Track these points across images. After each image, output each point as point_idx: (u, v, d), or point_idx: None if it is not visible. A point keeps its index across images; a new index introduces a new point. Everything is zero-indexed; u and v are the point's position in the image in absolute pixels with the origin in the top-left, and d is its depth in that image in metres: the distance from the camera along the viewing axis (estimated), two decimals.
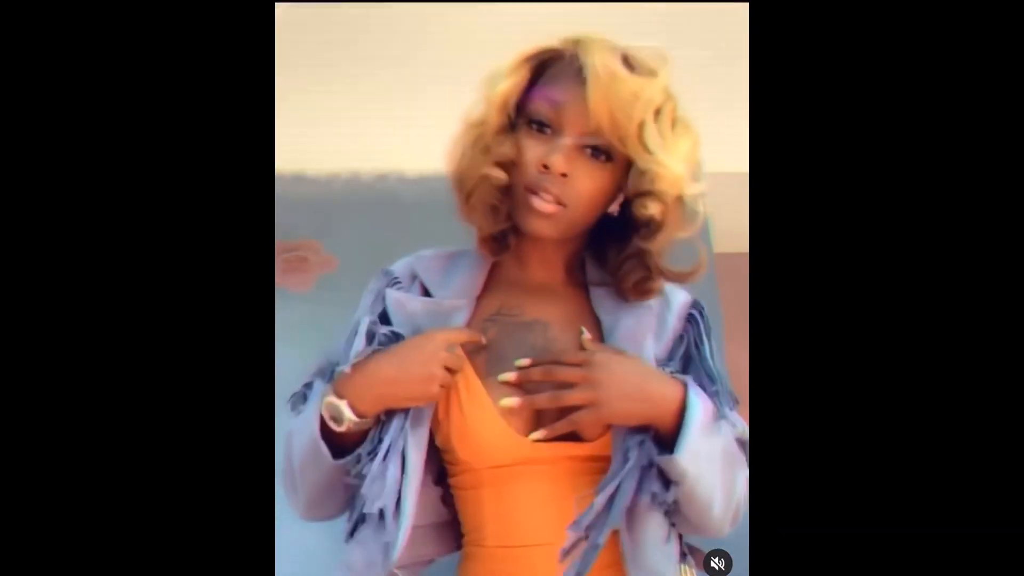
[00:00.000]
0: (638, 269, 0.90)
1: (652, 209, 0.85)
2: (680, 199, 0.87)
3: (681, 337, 0.93)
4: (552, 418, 0.86)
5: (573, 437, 0.87)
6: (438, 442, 0.91)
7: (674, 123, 0.87)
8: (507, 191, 0.87)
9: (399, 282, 0.98)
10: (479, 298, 0.93)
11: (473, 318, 0.92)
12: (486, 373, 0.88)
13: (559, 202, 0.85)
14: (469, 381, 0.88)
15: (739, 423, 0.90)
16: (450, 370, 0.86)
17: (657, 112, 0.84)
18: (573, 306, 0.93)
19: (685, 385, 0.86)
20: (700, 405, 0.85)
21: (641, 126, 0.83)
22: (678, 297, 0.95)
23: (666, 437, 0.84)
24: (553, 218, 0.86)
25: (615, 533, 0.85)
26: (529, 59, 0.90)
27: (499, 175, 0.85)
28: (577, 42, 0.87)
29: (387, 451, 0.86)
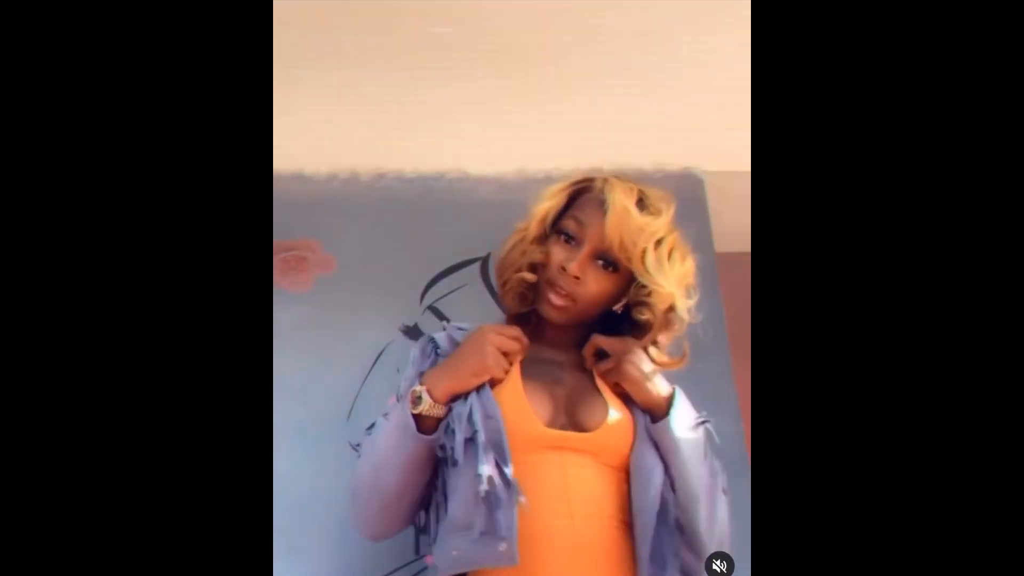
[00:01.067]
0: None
1: (645, 315, 1.09)
2: (670, 310, 1.09)
3: None
4: (562, 415, 1.07)
5: (577, 428, 1.07)
6: None
7: (672, 252, 1.10)
8: (534, 284, 1.12)
9: (439, 347, 1.15)
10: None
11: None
12: (523, 374, 1.09)
13: (570, 298, 1.10)
14: (512, 378, 1.08)
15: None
16: (504, 353, 1.07)
17: (658, 243, 1.08)
18: (574, 355, 1.15)
19: (674, 388, 1.11)
20: (685, 402, 1.09)
21: (644, 252, 1.07)
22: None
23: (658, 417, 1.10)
24: (564, 310, 1.11)
25: None
26: (568, 187, 1.17)
27: (530, 276, 1.12)
28: (605, 180, 1.14)
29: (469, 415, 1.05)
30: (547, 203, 1.15)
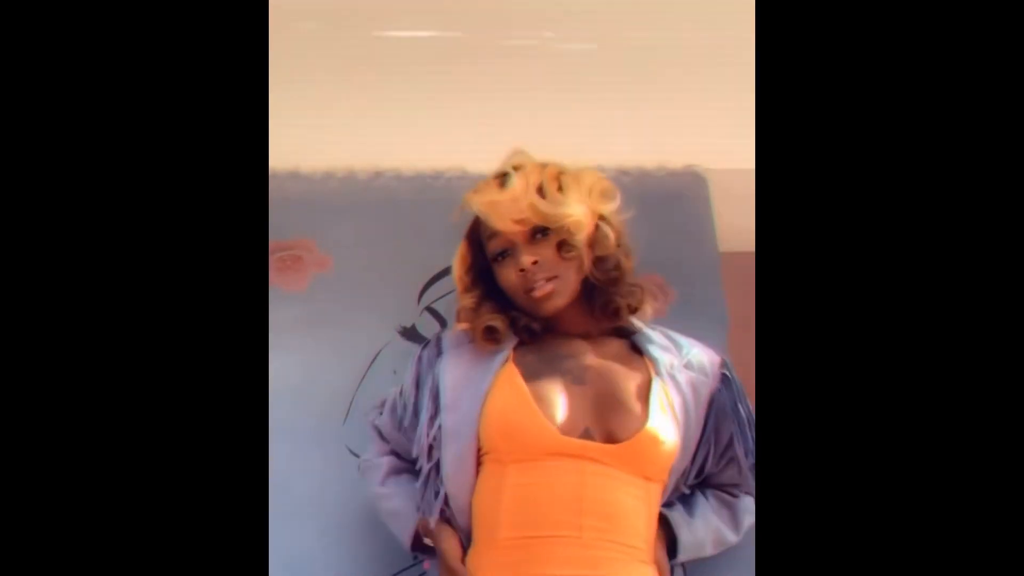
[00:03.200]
0: (605, 299, 1.15)
1: (575, 251, 1.11)
2: (596, 229, 1.13)
3: (712, 400, 1.14)
4: (586, 421, 1.07)
5: (606, 437, 1.06)
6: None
7: (559, 184, 1.14)
8: (508, 321, 1.14)
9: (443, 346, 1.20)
10: (515, 348, 1.16)
11: (512, 357, 1.15)
12: (526, 378, 1.10)
13: (549, 278, 1.12)
14: (512, 379, 1.10)
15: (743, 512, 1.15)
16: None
17: (539, 188, 1.12)
18: (603, 347, 1.15)
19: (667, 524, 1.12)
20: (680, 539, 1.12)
21: (533, 208, 1.11)
22: (703, 357, 1.16)
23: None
24: (556, 291, 1.12)
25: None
26: (463, 239, 1.20)
27: (501, 325, 1.13)
28: (464, 203, 1.17)
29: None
30: (457, 264, 1.19)
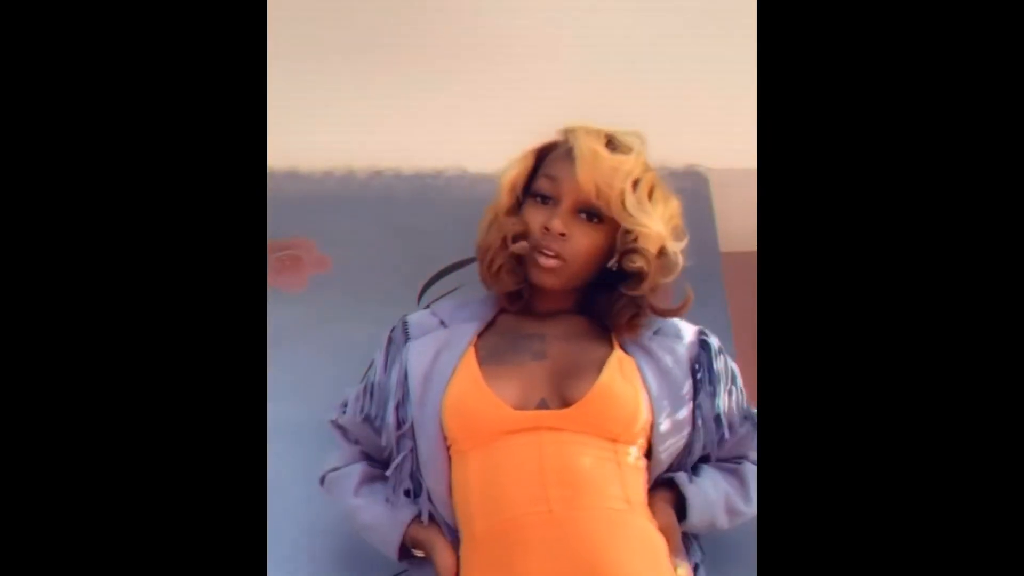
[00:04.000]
0: (629, 308, 1.10)
1: (637, 263, 1.07)
2: (661, 253, 1.08)
3: (696, 367, 1.12)
4: (542, 393, 1.05)
5: (561, 404, 1.05)
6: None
7: (652, 191, 1.09)
8: (519, 257, 1.09)
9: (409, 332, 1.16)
10: (490, 324, 1.15)
11: (482, 334, 1.13)
12: (482, 360, 1.08)
13: (559, 257, 1.07)
14: (468, 366, 1.07)
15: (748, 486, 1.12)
16: None
17: (636, 183, 1.07)
18: (572, 326, 1.13)
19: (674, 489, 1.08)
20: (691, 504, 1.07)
21: (622, 194, 1.05)
22: (678, 325, 1.15)
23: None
24: (555, 271, 1.07)
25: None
26: (533, 151, 1.15)
27: (522, 247, 1.08)
28: (569, 131, 1.12)
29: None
30: (513, 170, 1.13)
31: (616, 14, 1.33)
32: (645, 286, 1.07)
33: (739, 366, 1.16)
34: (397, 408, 1.09)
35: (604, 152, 1.06)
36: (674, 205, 1.11)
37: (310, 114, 1.46)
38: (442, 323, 1.15)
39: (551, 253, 1.06)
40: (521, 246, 1.07)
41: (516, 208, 1.12)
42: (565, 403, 1.03)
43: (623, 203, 1.04)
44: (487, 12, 1.34)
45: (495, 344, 1.10)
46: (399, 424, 1.09)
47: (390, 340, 1.16)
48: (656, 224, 1.06)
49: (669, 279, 1.09)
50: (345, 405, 1.18)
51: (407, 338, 1.14)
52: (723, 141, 1.52)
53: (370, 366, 1.18)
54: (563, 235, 1.06)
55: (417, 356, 1.11)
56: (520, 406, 1.03)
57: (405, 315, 1.19)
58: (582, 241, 1.07)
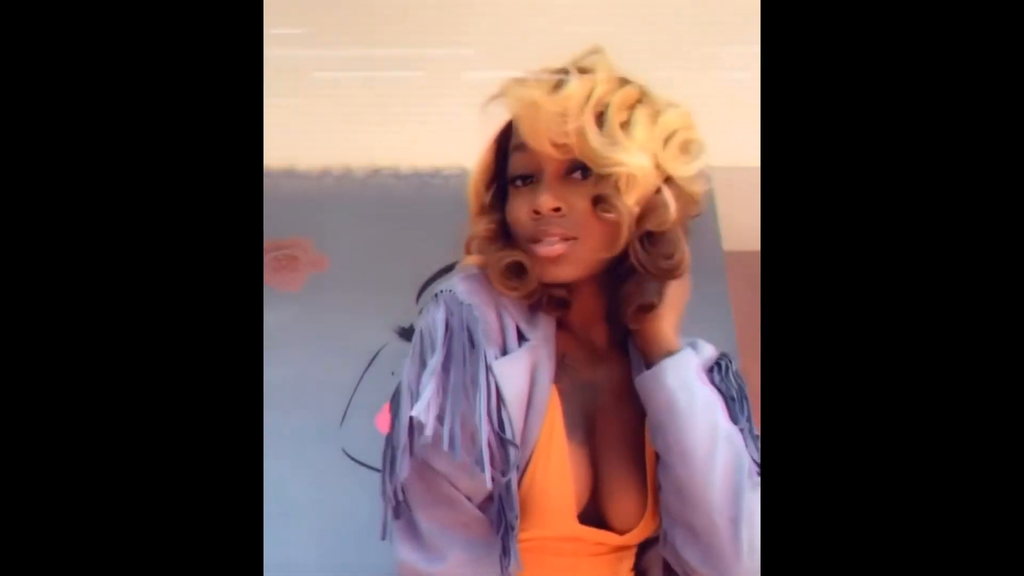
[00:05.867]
0: (635, 291, 0.87)
1: (609, 212, 0.83)
2: (657, 193, 0.85)
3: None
4: (584, 493, 0.85)
5: (607, 526, 0.87)
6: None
7: (630, 113, 0.86)
8: (519, 260, 0.86)
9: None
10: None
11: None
12: (569, 434, 0.86)
13: (566, 237, 0.84)
14: (555, 436, 0.85)
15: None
16: None
17: (601, 112, 0.84)
18: (619, 371, 0.92)
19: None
20: (695, 357, 0.89)
21: (581, 135, 0.82)
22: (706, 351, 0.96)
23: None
24: (567, 257, 0.84)
25: None
26: (490, 141, 0.95)
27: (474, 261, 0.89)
28: (502, 92, 0.91)
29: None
30: (476, 173, 0.94)
31: (619, 14, 1.33)
32: (670, 263, 0.85)
33: (743, 366, 1.16)
34: (497, 417, 0.83)
35: (542, 97, 0.84)
36: (669, 120, 0.87)
37: (308, 112, 1.46)
38: (519, 332, 0.87)
39: (553, 238, 0.83)
40: (473, 262, 0.89)
41: (493, 207, 0.92)
42: (602, 518, 0.85)
43: (587, 146, 0.82)
44: (488, 12, 1.34)
45: (565, 390, 0.86)
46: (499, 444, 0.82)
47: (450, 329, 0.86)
48: (633, 155, 0.82)
49: (670, 220, 0.85)
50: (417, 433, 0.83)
51: (472, 343, 0.85)
52: (726, 139, 1.52)
53: (371, 362, 1.07)
54: (558, 210, 0.83)
55: (510, 380, 0.84)
56: (583, 513, 0.85)
57: (456, 296, 0.87)
58: (580, 205, 0.84)
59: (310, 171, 1.54)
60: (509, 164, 0.89)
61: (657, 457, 0.86)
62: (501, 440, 0.81)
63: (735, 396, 0.91)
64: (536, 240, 0.85)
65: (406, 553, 0.84)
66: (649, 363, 0.87)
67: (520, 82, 0.88)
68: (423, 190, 1.54)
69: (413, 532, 0.84)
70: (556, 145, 0.83)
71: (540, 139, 0.83)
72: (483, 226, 0.91)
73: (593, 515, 0.86)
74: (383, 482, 0.85)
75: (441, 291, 0.90)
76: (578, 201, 0.84)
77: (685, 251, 0.88)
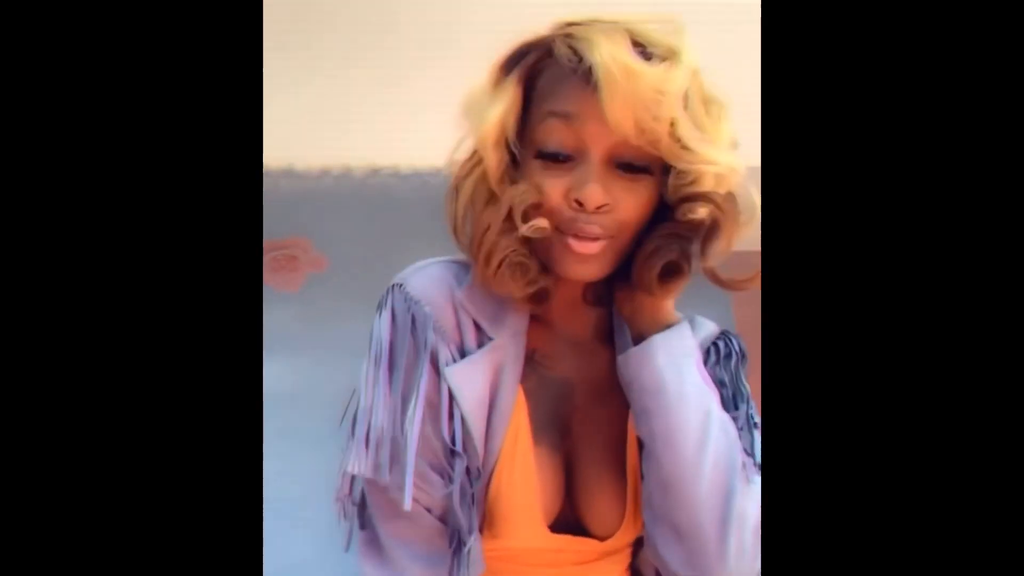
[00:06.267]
0: (666, 252, 0.77)
1: (702, 212, 0.76)
2: (732, 194, 0.77)
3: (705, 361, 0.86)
4: (558, 497, 0.81)
5: (586, 533, 0.82)
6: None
7: (708, 104, 0.76)
8: (532, 243, 0.76)
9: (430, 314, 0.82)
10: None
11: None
12: (535, 439, 0.80)
13: (604, 236, 0.75)
14: (520, 442, 0.79)
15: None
16: None
17: (686, 101, 0.73)
18: (599, 363, 0.84)
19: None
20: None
21: (673, 125, 0.72)
22: (707, 328, 0.89)
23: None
24: (600, 257, 0.76)
25: None
26: (514, 67, 0.78)
27: (541, 227, 0.74)
28: (572, 35, 0.75)
29: None
30: (495, 109, 0.77)
31: (622, 9, 1.33)
32: (721, 244, 0.77)
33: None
34: (451, 419, 0.78)
35: (640, 67, 0.70)
36: (728, 112, 0.79)
37: (307, 111, 1.46)
38: (476, 326, 0.81)
39: (591, 236, 0.74)
40: (537, 227, 0.74)
41: (512, 168, 0.77)
42: (580, 524, 0.80)
43: (677, 137, 0.72)
44: (488, 9, 1.34)
45: (531, 388, 0.80)
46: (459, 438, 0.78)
47: (401, 327, 0.81)
48: (722, 155, 0.74)
49: (748, 228, 0.78)
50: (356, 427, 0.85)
51: (418, 347, 0.80)
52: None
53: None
54: (605, 207, 0.74)
55: (468, 384, 0.78)
56: (554, 523, 0.80)
57: (406, 291, 0.83)
58: (630, 206, 0.75)
59: (309, 171, 1.54)
60: (539, 127, 0.75)
61: (641, 448, 0.80)
62: (449, 450, 0.76)
63: (727, 382, 0.85)
64: (572, 234, 0.75)
65: (369, 569, 0.81)
66: (638, 337, 0.79)
67: (606, 32, 0.72)
68: (423, 190, 1.54)
69: (375, 546, 0.81)
70: (641, 130, 0.71)
71: (625, 114, 0.70)
72: (515, 195, 0.75)
73: (570, 521, 0.81)
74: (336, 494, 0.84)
75: (393, 285, 0.86)
76: (623, 197, 0.74)
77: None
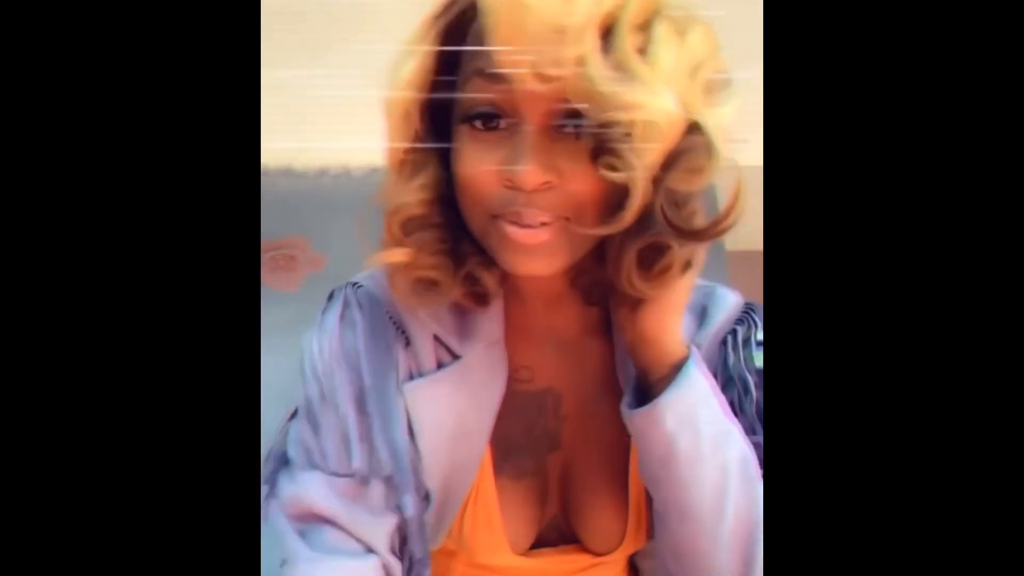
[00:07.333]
0: (642, 251, 0.64)
1: (619, 169, 0.59)
2: (690, 131, 0.61)
3: (724, 340, 0.76)
4: (551, 508, 0.74)
5: (581, 548, 0.76)
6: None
7: (650, 38, 0.59)
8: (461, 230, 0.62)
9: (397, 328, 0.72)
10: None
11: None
12: (497, 469, 0.71)
13: (553, 219, 0.61)
14: (484, 478, 0.70)
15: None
16: None
17: (607, 31, 0.57)
18: (591, 363, 0.74)
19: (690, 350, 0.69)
20: (702, 375, 0.69)
21: (582, 63, 0.55)
22: (728, 298, 0.80)
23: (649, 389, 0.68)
24: (551, 246, 0.61)
25: None
26: (437, 22, 0.65)
27: (394, 262, 0.60)
28: None
29: None
30: (405, 69, 0.66)
31: None
32: (633, 202, 0.60)
33: None
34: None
35: (535, 2, 0.54)
36: (696, 44, 0.63)
37: (305, 110, 1.46)
38: (439, 342, 0.71)
39: (535, 221, 0.60)
40: (391, 258, 0.63)
41: (427, 158, 0.65)
42: (574, 538, 0.73)
43: (592, 88, 0.55)
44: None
45: (501, 417, 0.70)
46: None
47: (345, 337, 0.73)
48: (656, 95, 0.57)
49: (702, 179, 0.64)
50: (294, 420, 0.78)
51: (369, 358, 0.71)
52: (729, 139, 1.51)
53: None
54: (548, 184, 0.59)
55: (433, 412, 0.69)
56: (527, 537, 0.73)
57: (367, 291, 0.73)
58: (581, 177, 0.60)
59: (307, 170, 1.54)
60: (464, 88, 0.61)
61: (649, 500, 0.73)
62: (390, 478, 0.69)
63: (736, 377, 0.74)
64: (511, 221, 0.61)
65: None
66: (643, 381, 0.69)
67: None
68: None
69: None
70: (543, 77, 0.56)
71: (519, 63, 0.56)
72: (416, 192, 0.64)
73: (564, 534, 0.75)
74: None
75: (348, 284, 0.73)
76: (573, 165, 0.60)
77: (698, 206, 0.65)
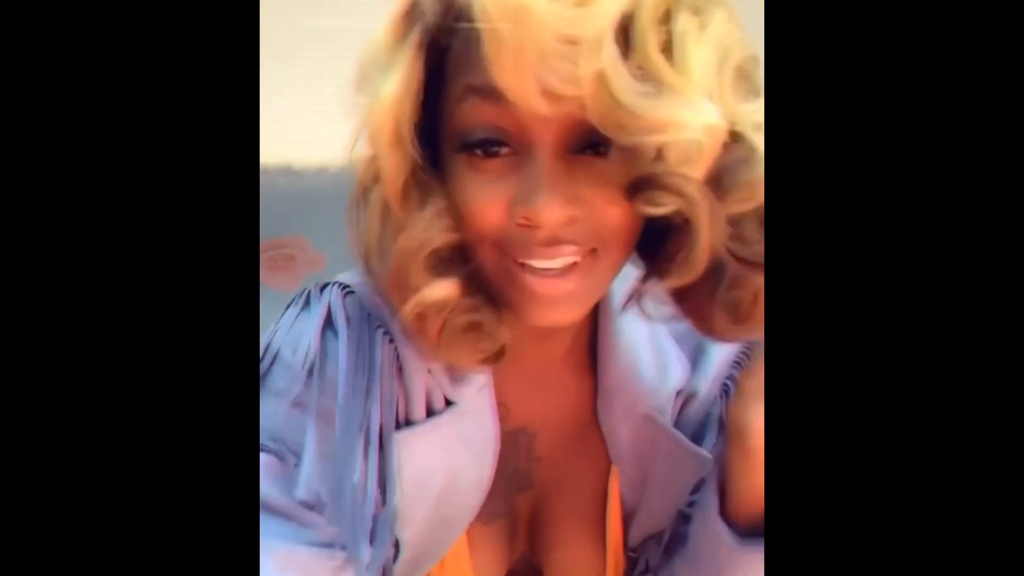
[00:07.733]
0: (715, 298, 0.57)
1: (666, 203, 0.51)
2: (733, 138, 0.53)
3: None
4: (524, 561, 0.69)
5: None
6: None
7: (682, 30, 0.50)
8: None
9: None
10: None
11: None
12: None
13: (582, 252, 0.53)
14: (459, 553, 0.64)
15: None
16: None
17: (626, 28, 0.48)
18: (570, 401, 0.67)
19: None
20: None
21: (602, 80, 0.47)
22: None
23: None
24: (577, 292, 0.53)
25: None
26: (415, 22, 0.55)
27: (419, 307, 0.52)
28: None
29: None
30: (390, 83, 0.55)
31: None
32: (695, 252, 0.53)
33: None
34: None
35: (541, 6, 0.45)
36: (719, 29, 0.54)
37: (304, 108, 1.46)
38: (431, 382, 0.63)
39: (558, 266, 0.52)
40: (440, 288, 0.53)
41: (426, 174, 0.54)
42: (540, 569, 0.67)
43: (610, 96, 0.47)
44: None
45: None
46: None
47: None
48: (695, 107, 0.50)
49: (757, 194, 0.55)
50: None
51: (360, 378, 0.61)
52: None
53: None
54: (571, 218, 0.51)
55: (424, 464, 0.61)
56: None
57: (356, 296, 0.64)
58: (608, 205, 0.52)
59: (307, 169, 1.54)
60: (455, 113, 0.52)
61: (623, 508, 0.67)
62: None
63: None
64: (525, 266, 0.52)
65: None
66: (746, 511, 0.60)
67: None
68: None
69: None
70: (552, 97, 0.47)
71: (524, 83, 0.46)
72: (434, 221, 0.53)
73: (533, 568, 0.70)
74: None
75: (333, 285, 0.64)
76: (598, 190, 0.51)
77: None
